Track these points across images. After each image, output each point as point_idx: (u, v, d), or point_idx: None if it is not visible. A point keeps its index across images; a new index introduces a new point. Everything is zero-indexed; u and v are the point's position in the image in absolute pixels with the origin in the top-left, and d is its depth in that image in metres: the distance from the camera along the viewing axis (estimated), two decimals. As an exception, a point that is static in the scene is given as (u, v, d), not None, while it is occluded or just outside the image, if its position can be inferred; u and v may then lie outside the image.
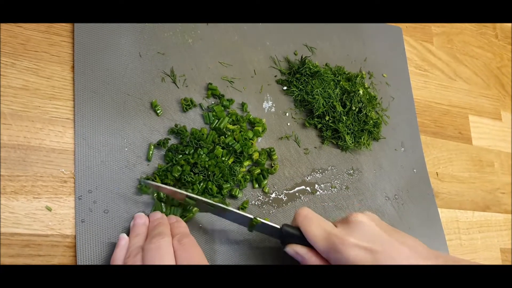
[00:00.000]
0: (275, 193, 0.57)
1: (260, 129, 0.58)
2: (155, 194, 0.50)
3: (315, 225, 0.46)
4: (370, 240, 0.44)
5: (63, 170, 0.47)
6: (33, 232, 0.44)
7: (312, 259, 0.46)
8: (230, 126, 0.56)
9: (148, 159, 0.51)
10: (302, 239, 0.47)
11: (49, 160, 0.47)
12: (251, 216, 0.48)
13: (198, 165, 0.51)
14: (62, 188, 0.46)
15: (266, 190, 0.56)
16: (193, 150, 0.52)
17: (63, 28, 0.53)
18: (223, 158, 0.54)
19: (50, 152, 0.47)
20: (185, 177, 0.50)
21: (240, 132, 0.56)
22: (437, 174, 0.71)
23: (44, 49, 0.51)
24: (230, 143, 0.55)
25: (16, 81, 0.48)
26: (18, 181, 0.45)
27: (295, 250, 0.47)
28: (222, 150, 0.54)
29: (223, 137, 0.55)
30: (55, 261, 0.44)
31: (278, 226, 0.48)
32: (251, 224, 0.49)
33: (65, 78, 0.51)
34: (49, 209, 0.45)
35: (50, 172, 0.47)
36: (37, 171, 0.46)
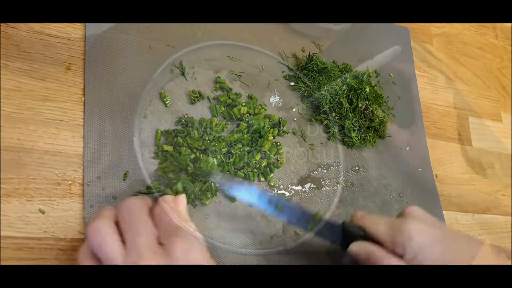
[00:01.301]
0: (281, 187, 0.57)
1: (285, 129, 0.60)
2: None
3: (377, 221, 0.47)
4: (426, 221, 0.48)
5: (56, 172, 0.47)
6: (26, 235, 0.44)
7: (384, 255, 0.45)
8: (247, 116, 0.57)
9: (156, 144, 0.52)
10: (364, 238, 0.47)
11: (42, 162, 0.46)
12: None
13: (209, 150, 0.52)
14: (55, 191, 0.46)
15: (272, 184, 0.57)
16: (198, 136, 0.53)
17: (57, 29, 0.53)
18: (245, 135, 0.55)
19: (44, 154, 0.47)
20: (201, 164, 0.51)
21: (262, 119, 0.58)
22: (436, 176, 0.70)
23: (38, 50, 0.51)
24: (250, 121, 0.56)
25: (9, 82, 0.48)
26: (11, 184, 0.44)
27: (365, 247, 0.46)
28: (245, 125, 0.56)
29: (247, 114, 0.57)
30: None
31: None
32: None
33: (59, 79, 0.50)
34: (42, 212, 0.45)
35: (43, 174, 0.46)
36: (30, 173, 0.46)
